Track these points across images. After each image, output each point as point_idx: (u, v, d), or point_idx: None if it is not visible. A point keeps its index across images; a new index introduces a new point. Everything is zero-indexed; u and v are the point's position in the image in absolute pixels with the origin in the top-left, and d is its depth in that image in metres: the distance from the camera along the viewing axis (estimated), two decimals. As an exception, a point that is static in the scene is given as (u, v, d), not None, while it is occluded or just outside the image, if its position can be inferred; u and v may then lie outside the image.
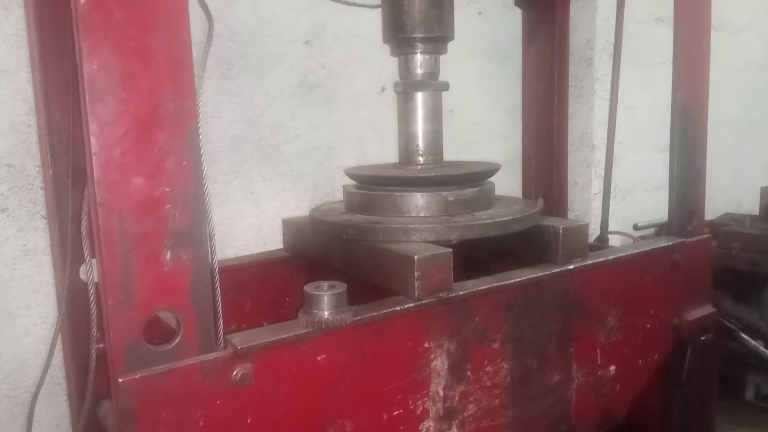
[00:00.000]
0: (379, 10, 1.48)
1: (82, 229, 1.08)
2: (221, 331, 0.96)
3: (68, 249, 1.24)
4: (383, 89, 2.30)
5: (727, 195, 2.94)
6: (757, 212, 2.29)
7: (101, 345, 1.04)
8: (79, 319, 1.23)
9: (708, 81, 1.59)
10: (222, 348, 0.94)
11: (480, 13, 2.23)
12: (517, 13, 2.08)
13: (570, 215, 2.30)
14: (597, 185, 2.61)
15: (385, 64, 1.87)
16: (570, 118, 2.75)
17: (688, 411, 1.62)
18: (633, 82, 2.42)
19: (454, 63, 1.72)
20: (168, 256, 0.89)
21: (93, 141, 0.83)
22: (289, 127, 1.76)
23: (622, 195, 2.59)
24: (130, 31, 0.84)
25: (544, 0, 1.86)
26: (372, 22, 1.82)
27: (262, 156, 1.71)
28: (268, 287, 1.31)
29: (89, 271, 1.12)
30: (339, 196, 1.77)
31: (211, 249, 0.95)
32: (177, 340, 0.90)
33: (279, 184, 1.75)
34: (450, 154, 1.61)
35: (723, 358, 1.96)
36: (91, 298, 1.08)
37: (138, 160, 0.86)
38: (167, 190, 0.88)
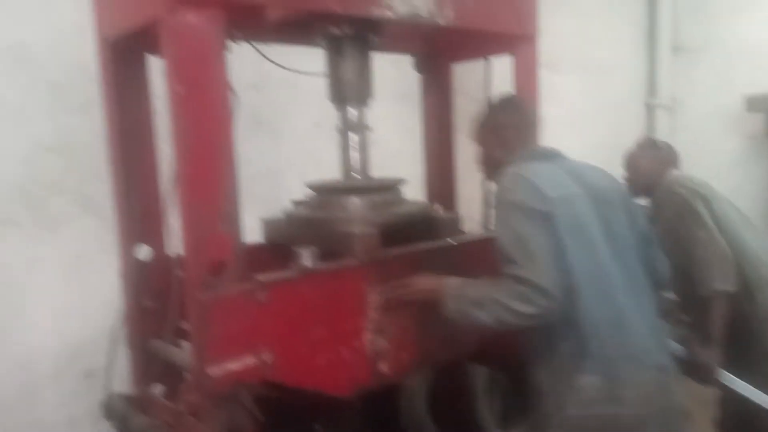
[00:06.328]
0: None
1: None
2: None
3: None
4: (318, 125, 3.05)
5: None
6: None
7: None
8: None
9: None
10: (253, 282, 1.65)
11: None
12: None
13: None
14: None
15: (318, 107, 2.39)
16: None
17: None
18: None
19: (381, 103, 2.43)
20: (221, 228, 1.59)
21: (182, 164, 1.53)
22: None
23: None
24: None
25: (433, 67, 2.68)
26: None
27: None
28: (260, 261, 2.00)
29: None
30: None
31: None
32: (226, 276, 1.60)
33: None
34: (376, 173, 2.36)
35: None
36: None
37: (206, 176, 1.57)
38: (221, 191, 1.59)
